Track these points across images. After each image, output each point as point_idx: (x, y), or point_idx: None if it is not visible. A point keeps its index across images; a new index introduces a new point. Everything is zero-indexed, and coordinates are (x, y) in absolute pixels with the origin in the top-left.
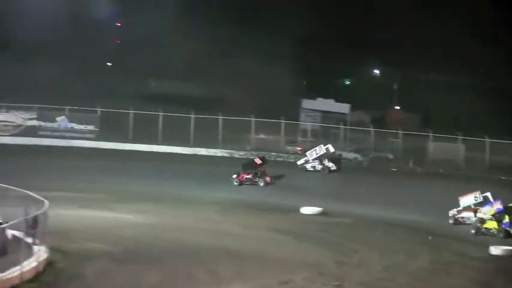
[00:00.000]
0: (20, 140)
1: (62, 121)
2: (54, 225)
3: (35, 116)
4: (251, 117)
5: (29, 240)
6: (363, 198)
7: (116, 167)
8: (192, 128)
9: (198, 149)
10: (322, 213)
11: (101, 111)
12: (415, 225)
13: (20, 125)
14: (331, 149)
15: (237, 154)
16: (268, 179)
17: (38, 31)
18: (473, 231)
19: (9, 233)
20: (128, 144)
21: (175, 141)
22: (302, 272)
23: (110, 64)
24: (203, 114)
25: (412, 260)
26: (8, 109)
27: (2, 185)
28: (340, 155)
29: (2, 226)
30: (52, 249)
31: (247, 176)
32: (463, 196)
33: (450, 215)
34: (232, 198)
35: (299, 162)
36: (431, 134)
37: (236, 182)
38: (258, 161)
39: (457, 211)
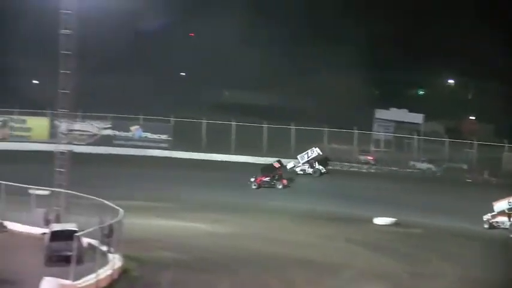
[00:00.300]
0: (95, 149)
1: (136, 131)
2: (128, 233)
3: (110, 126)
4: (324, 127)
5: (104, 248)
6: (435, 208)
7: (189, 176)
8: (264, 137)
9: (270, 158)
10: (394, 224)
11: (175, 120)
12: (487, 236)
13: (95, 135)
14: (320, 152)
15: None
16: (285, 181)
17: (113, 42)
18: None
19: (85, 241)
20: (201, 153)
21: (248, 151)
22: (378, 282)
23: (184, 74)
24: (276, 124)
25: (486, 271)
26: (84, 119)
27: (77, 193)
28: (327, 157)
29: (77, 234)
30: (127, 258)
31: (264, 179)
32: (497, 201)
33: (485, 219)
34: (304, 208)
35: (289, 166)
36: (506, 145)
37: (254, 185)
38: (276, 164)
39: (492, 216)
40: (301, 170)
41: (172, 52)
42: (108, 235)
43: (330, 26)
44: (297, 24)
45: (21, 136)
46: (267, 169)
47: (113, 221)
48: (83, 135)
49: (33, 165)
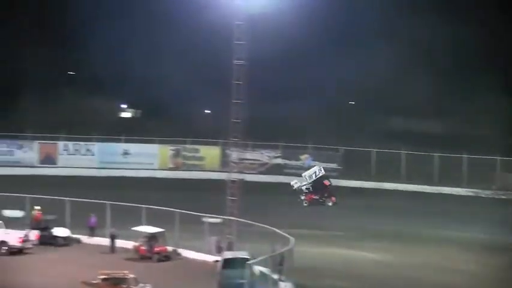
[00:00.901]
0: (266, 178)
1: (306, 159)
2: (299, 261)
3: (280, 155)
4: (496, 156)
5: (276, 276)
6: None
7: (356, 204)
8: (436, 166)
9: (441, 187)
10: None
11: (344, 149)
12: None
13: (265, 163)
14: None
15: (482, 194)
16: (333, 199)
17: (282, 70)
18: None
19: (257, 269)
20: (370, 182)
21: (418, 180)
22: None
23: (353, 103)
24: (446, 153)
25: None
26: (255, 148)
27: (249, 221)
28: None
29: (249, 262)
30: (298, 286)
31: (314, 197)
32: None
33: None
34: (472, 237)
35: (296, 186)
36: None
37: (305, 203)
38: (326, 182)
39: None
40: (306, 189)
41: (341, 80)
42: (279, 263)
43: (505, 51)
44: (471, 51)
45: (194, 165)
46: (316, 186)
47: (284, 249)
48: (253, 164)
49: (206, 194)
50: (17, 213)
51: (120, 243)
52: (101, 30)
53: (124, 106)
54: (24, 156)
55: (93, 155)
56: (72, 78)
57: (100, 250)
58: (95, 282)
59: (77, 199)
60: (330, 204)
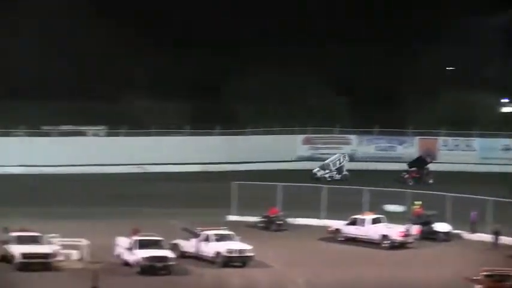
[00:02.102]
0: None
1: None
2: None
3: None
4: None
5: None
6: None
7: None
8: None
9: None
10: None
11: None
12: None
13: None
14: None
15: None
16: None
17: None
18: None
19: None
20: None
21: None
22: None
23: None
24: None
25: None
26: None
27: None
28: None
29: None
30: None
31: (416, 175)
32: None
33: None
34: None
35: (319, 174)
36: None
37: (410, 182)
38: (428, 159)
39: None
40: (329, 177)
41: None
42: None
43: None
44: None
45: None
46: (416, 163)
47: None
48: None
49: None
50: (398, 208)
51: (504, 239)
52: None
53: (505, 101)
54: (404, 152)
55: (473, 150)
56: (450, 74)
57: (482, 246)
58: (477, 278)
59: (457, 194)
60: (431, 182)
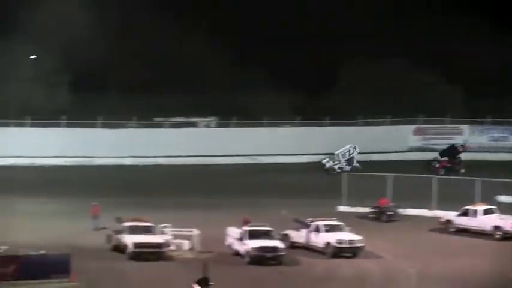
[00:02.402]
0: None
1: None
2: None
3: None
4: None
5: None
6: None
7: None
8: None
9: None
10: None
11: None
12: None
13: None
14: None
15: None
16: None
17: None
18: None
19: None
20: None
21: None
22: None
23: None
24: None
25: None
26: None
27: None
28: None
29: None
30: None
31: (447, 165)
32: None
33: None
34: None
35: (328, 164)
36: None
37: (441, 171)
38: (460, 148)
39: None
40: (339, 168)
41: None
42: None
43: None
44: None
45: None
46: (447, 153)
47: None
48: None
49: None
50: (511, 199)
51: None
52: None
53: None
54: None
55: None
56: None
57: None
58: None
59: None
60: (463, 171)
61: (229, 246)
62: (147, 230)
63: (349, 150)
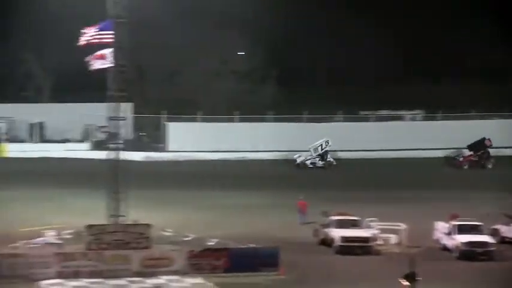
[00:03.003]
0: None
1: None
2: None
3: None
4: None
5: None
6: None
7: None
8: None
9: None
10: None
11: None
12: None
13: None
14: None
15: None
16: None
17: None
18: None
19: None
20: None
21: None
22: None
23: None
24: None
25: None
26: None
27: None
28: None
29: None
30: None
31: (473, 159)
32: None
33: None
34: None
35: (299, 160)
36: None
37: (465, 165)
38: (488, 142)
39: None
40: (311, 163)
41: None
42: None
43: None
44: None
45: None
46: (475, 146)
47: None
48: None
49: None
50: None
51: None
52: None
53: None
54: None
55: None
56: None
57: None
58: None
59: None
60: (490, 166)
61: (437, 241)
62: (354, 224)
63: (321, 144)
